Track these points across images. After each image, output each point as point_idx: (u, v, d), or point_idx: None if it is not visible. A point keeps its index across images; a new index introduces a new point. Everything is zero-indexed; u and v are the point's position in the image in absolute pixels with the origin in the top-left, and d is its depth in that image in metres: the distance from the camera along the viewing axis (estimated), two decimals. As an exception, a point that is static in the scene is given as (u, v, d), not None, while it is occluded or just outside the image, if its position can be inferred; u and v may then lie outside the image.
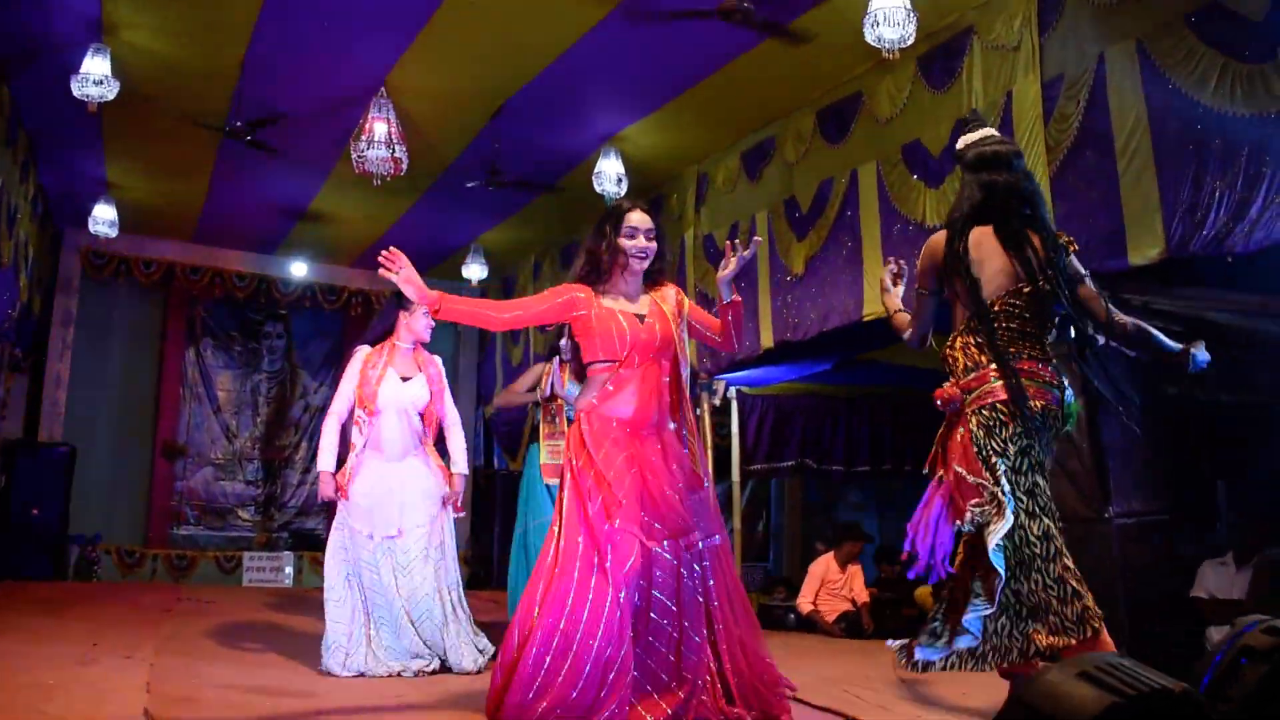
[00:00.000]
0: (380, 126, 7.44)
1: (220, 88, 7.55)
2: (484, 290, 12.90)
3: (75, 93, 6.67)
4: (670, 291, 3.62)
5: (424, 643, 4.55)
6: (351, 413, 4.77)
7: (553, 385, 5.70)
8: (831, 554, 7.90)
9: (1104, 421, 5.10)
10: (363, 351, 4.87)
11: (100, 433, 11.18)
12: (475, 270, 11.14)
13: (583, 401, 3.46)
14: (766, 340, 7.85)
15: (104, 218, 9.68)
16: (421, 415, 4.89)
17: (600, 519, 3.18)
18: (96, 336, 11.40)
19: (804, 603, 7.71)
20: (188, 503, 11.74)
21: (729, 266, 3.58)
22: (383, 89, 7.47)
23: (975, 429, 3.52)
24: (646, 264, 3.53)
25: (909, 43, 5.71)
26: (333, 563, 4.63)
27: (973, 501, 3.42)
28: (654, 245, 3.53)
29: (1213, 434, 6.53)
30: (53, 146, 8.87)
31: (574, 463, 3.37)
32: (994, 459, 3.44)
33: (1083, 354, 4.30)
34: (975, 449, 3.49)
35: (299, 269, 12.11)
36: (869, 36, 5.71)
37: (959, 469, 3.52)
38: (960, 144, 3.98)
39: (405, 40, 6.91)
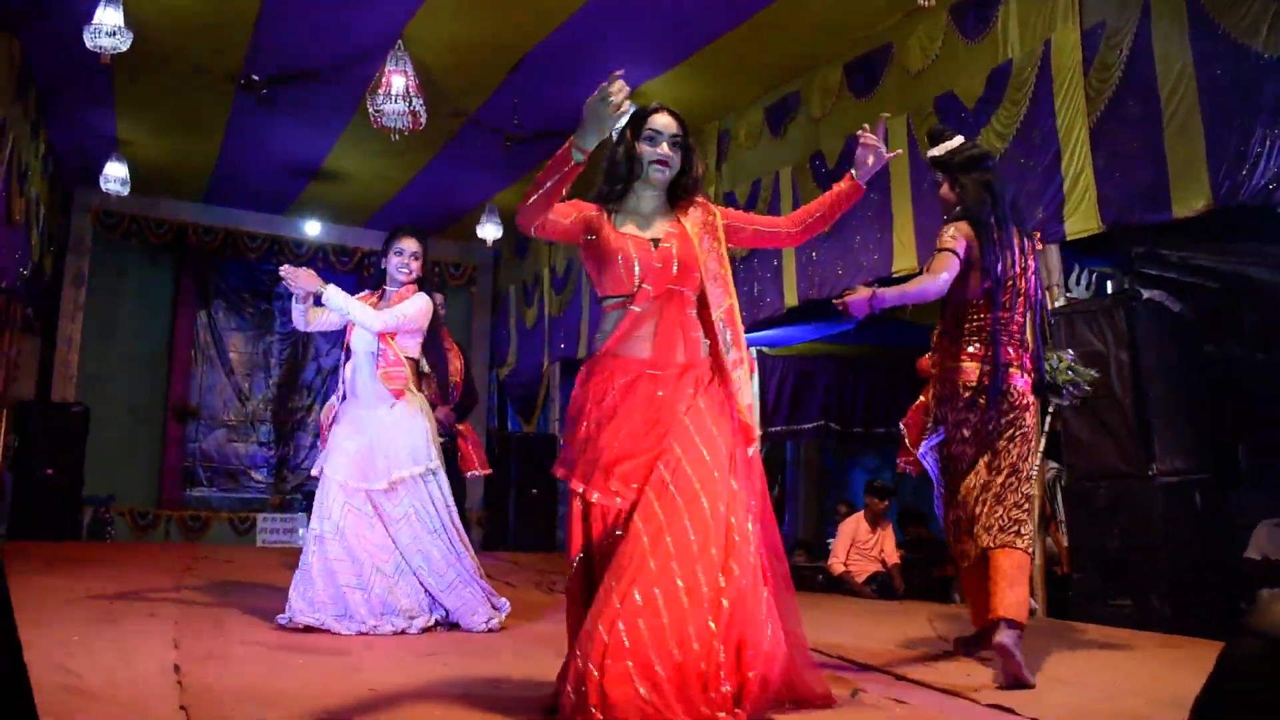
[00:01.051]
0: (398, 80, 7.28)
1: (234, 40, 7.40)
2: (498, 252, 12.78)
3: (88, 44, 6.50)
4: (696, 210, 3.02)
5: (427, 595, 4.43)
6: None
7: None
8: (861, 514, 7.82)
9: (1147, 379, 4.98)
10: (361, 295, 4.74)
11: (113, 394, 11.07)
12: (490, 230, 10.97)
13: (595, 343, 2.95)
14: (790, 299, 7.72)
15: (115, 175, 9.53)
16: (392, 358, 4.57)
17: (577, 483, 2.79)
18: (108, 297, 11.30)
19: (835, 563, 7.63)
20: (200, 464, 11.69)
21: (869, 160, 3.20)
22: (400, 41, 7.30)
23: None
24: (668, 176, 2.93)
25: (946, -11, 5.55)
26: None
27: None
28: (678, 155, 2.92)
29: (1250, 393, 6.42)
30: (63, 102, 8.71)
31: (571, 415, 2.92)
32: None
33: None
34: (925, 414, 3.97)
35: (312, 229, 11.98)
36: (904, -17, 5.55)
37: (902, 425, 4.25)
38: (940, 151, 3.97)
39: (424, -10, 6.75)
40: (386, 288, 4.66)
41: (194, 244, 11.66)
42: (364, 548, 4.36)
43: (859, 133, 3.24)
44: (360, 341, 4.57)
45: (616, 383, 2.82)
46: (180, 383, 11.67)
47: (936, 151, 3.97)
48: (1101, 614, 4.96)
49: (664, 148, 2.90)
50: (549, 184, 2.72)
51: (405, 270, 4.61)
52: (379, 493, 4.41)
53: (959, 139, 3.98)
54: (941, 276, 3.72)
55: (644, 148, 2.91)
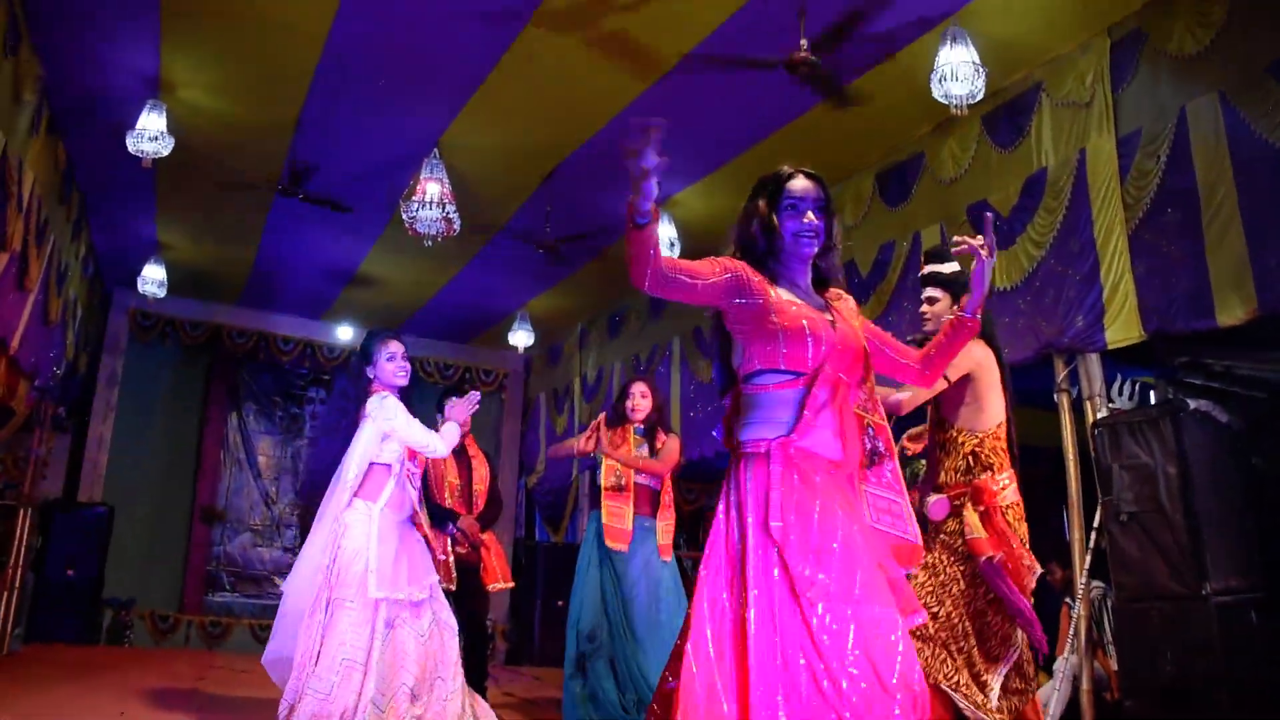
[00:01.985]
0: (433, 187, 7.36)
1: (274, 147, 7.54)
2: (529, 359, 12.78)
3: (130, 148, 6.65)
4: (844, 299, 2.65)
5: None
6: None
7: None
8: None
9: (1197, 492, 4.78)
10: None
11: (139, 494, 11.03)
12: (521, 337, 11.01)
13: (758, 431, 2.43)
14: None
15: (153, 278, 9.68)
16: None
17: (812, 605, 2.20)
18: (140, 397, 11.33)
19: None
20: (224, 568, 11.55)
21: (979, 262, 2.66)
22: (435, 149, 7.41)
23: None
24: (816, 247, 2.54)
25: (978, 98, 5.56)
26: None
27: None
28: (824, 222, 2.55)
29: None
30: (105, 205, 8.89)
31: (750, 520, 2.32)
32: None
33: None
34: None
35: (345, 333, 12.06)
36: (936, 93, 5.56)
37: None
38: (947, 270, 3.87)
39: (460, 100, 6.87)
40: (378, 394, 4.24)
41: (227, 346, 11.75)
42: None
43: (956, 239, 2.73)
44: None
45: (814, 482, 2.34)
46: (208, 484, 11.61)
47: (943, 269, 3.88)
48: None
49: (809, 216, 2.53)
50: (633, 250, 2.32)
51: (402, 374, 4.30)
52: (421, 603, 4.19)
53: (955, 263, 3.88)
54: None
55: (786, 220, 2.54)
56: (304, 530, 4.49)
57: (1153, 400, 5.79)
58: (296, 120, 7.17)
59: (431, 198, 7.36)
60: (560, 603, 10.47)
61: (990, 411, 3.65)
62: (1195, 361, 5.40)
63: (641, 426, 5.38)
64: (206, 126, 7.23)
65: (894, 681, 2.16)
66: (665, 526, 5.32)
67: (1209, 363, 5.42)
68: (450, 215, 7.42)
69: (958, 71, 5.50)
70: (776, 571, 2.25)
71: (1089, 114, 5.72)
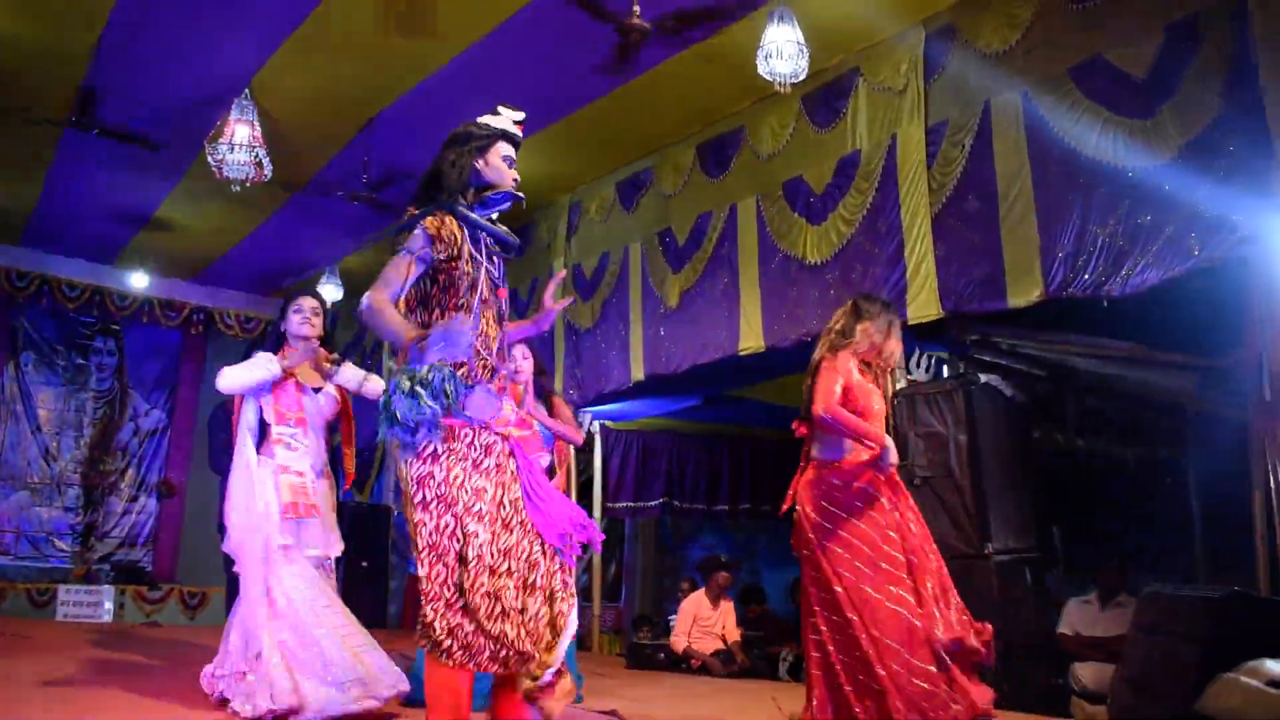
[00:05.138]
0: (242, 129, 7.02)
1: (67, 76, 6.99)
2: (337, 313, 12.40)
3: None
4: None
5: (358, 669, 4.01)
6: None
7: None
8: (703, 591, 7.77)
9: (983, 460, 5.15)
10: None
11: (-101, 449, 10.13)
12: (330, 291, 10.63)
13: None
14: (638, 373, 7.71)
15: (-81, 212, 8.84)
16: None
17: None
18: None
19: (678, 640, 7.54)
20: (-3, 529, 10.75)
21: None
22: (247, 90, 7.06)
23: None
24: None
25: (801, 77, 5.72)
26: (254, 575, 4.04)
27: None
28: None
29: (1068, 478, 6.74)
30: None
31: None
32: None
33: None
34: None
35: (139, 280, 11.35)
36: (761, 69, 5.69)
37: None
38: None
39: (276, 40, 6.56)
40: (290, 348, 4.38)
41: (5, 290, 10.84)
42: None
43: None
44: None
45: None
46: (-22, 439, 10.76)
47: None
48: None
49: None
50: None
51: (307, 325, 4.37)
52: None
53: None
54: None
55: None
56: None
57: (946, 374, 6.17)
58: (95, 46, 6.65)
59: (240, 140, 7.03)
60: (364, 564, 10.29)
61: None
62: (986, 339, 5.79)
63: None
64: (-11, 49, 6.64)
65: None
66: None
67: (998, 341, 5.82)
68: (261, 159, 7.11)
69: (783, 50, 5.64)
70: None
71: (902, 101, 6.00)
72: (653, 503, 9.45)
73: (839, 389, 3.75)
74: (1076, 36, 5.15)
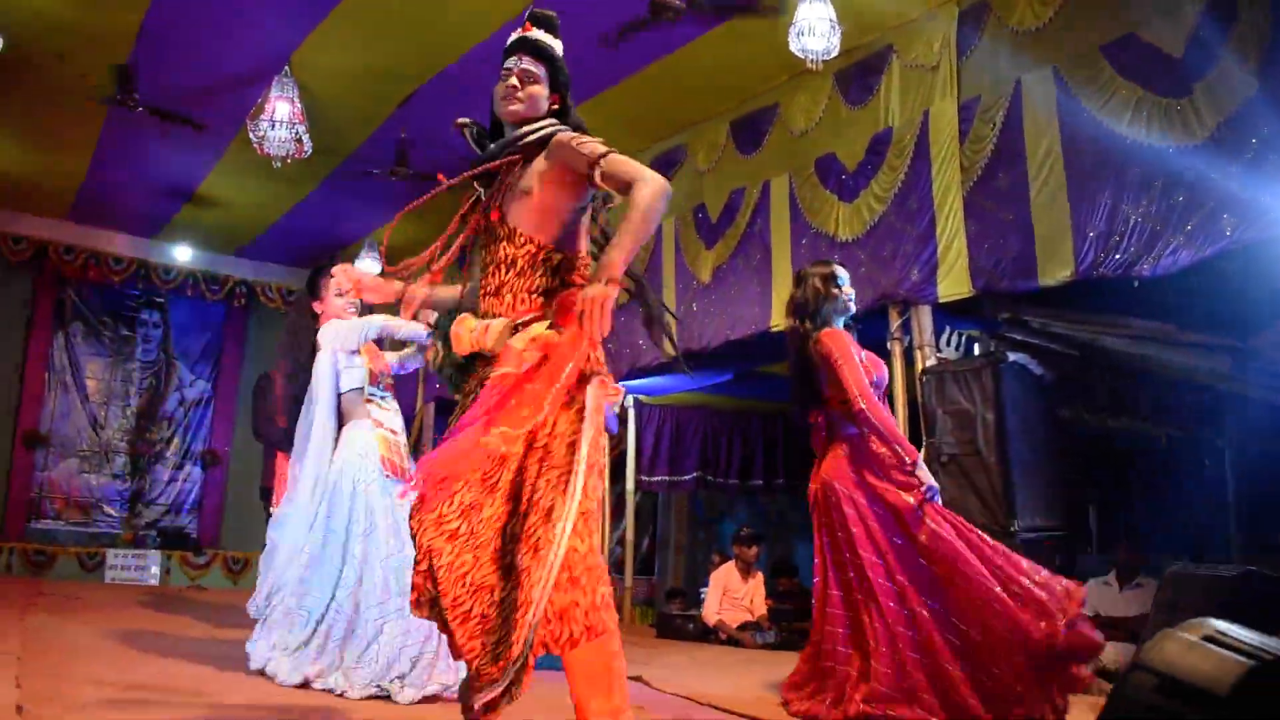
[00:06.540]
0: (283, 106, 7.14)
1: (113, 54, 7.13)
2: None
3: (-50, 45, 6.21)
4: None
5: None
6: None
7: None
8: (733, 563, 7.86)
9: (1011, 438, 5.17)
10: None
11: (-45, 417, 10.44)
12: (369, 265, 10.77)
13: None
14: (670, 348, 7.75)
15: (-28, 187, 9.08)
16: None
17: None
18: (-43, 314, 10.67)
19: (709, 613, 7.65)
20: (48, 495, 11.05)
21: None
22: (287, 67, 7.17)
23: None
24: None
25: (832, 55, 5.73)
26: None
27: None
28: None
29: (1098, 458, 6.74)
30: (-81, 106, 8.27)
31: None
32: None
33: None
34: None
35: (182, 254, 11.58)
36: (794, 46, 5.71)
37: None
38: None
39: (316, 17, 6.65)
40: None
41: (54, 263, 11.12)
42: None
43: None
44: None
45: None
46: (31, 408, 11.04)
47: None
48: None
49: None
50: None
51: (353, 308, 4.47)
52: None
53: None
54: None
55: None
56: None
57: (976, 352, 6.18)
58: (139, 26, 6.80)
59: (281, 117, 7.15)
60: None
61: None
62: (1016, 318, 5.79)
63: None
64: (40, 26, 6.79)
65: None
66: None
67: (1028, 320, 5.83)
68: (301, 136, 7.23)
69: (815, 28, 5.66)
70: None
71: (935, 78, 5.98)
72: (686, 476, 9.55)
73: (863, 374, 3.82)
74: (1110, 13, 5.10)
